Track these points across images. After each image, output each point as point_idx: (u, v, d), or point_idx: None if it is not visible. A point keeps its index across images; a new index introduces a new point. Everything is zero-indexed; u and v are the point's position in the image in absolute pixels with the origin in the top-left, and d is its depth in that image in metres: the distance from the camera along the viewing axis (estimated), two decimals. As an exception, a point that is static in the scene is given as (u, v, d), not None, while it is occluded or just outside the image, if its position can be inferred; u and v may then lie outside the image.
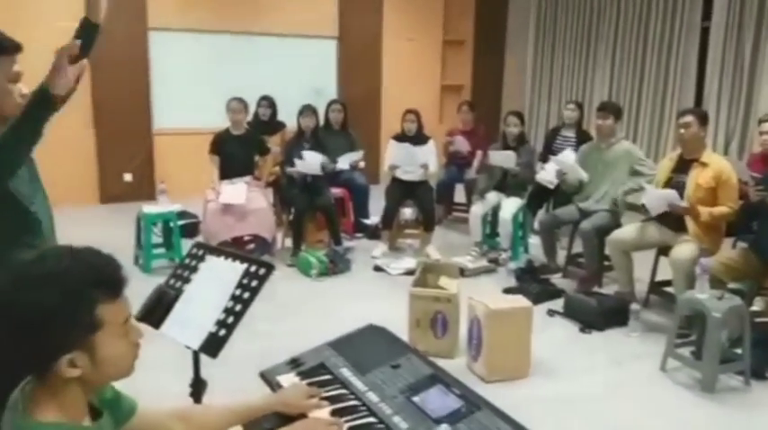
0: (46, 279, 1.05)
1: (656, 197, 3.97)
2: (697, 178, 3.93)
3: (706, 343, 3.26)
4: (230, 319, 1.96)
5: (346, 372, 1.71)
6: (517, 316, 3.36)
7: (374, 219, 5.97)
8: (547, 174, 5.11)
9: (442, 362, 3.33)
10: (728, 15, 6.35)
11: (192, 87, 7.28)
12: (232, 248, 4.86)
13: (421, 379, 1.64)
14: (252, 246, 5.19)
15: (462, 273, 4.74)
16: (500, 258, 5.23)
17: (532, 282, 4.62)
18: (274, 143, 6.01)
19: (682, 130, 4.01)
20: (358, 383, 1.66)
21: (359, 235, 5.96)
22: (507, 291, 4.52)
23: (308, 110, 5.42)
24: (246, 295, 2.00)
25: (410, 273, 4.89)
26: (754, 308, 3.86)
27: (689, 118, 3.98)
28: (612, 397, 3.21)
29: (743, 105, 6.31)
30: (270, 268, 2.04)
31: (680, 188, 3.93)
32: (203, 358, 2.01)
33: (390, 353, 1.78)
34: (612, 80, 7.65)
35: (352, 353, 1.80)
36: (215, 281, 2.08)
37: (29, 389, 1.11)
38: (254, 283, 2.02)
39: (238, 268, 2.07)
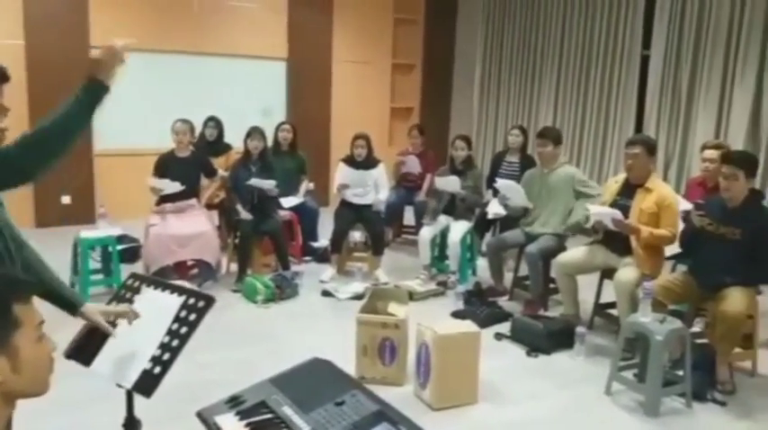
0: None
1: (601, 214, 4.05)
2: (641, 203, 4.02)
3: (649, 366, 3.31)
4: (166, 356, 1.87)
5: (288, 411, 1.65)
6: (465, 341, 3.35)
7: (323, 242, 5.91)
8: (494, 207, 5.21)
9: (389, 391, 3.34)
10: (667, 44, 6.59)
11: (136, 108, 7.08)
12: (174, 274, 4.75)
13: (366, 416, 1.60)
14: (195, 271, 5.05)
15: (411, 296, 4.72)
16: (449, 281, 5.24)
17: (480, 306, 4.63)
18: (219, 165, 5.89)
19: (630, 161, 4.09)
20: (300, 423, 1.60)
21: (307, 258, 5.88)
22: (455, 314, 4.51)
23: (255, 132, 5.34)
24: (184, 329, 1.92)
25: (359, 297, 4.84)
26: (694, 329, 3.95)
27: (637, 149, 4.05)
28: (558, 422, 3.22)
29: (681, 131, 6.53)
30: (210, 301, 1.96)
31: (624, 212, 4.02)
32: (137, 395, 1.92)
33: (335, 388, 1.72)
34: (557, 105, 7.83)
35: (296, 390, 1.74)
36: (151, 314, 1.99)
37: None
38: (192, 317, 1.94)
39: (176, 301, 1.99)
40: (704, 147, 4.77)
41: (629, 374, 3.55)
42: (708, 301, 3.69)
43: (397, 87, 9.09)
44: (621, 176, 4.30)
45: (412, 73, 9.17)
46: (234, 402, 1.73)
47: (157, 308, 2.01)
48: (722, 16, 6.07)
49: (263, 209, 5.23)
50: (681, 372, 3.41)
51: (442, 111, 9.33)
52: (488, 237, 5.79)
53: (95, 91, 1.73)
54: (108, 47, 1.81)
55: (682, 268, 4.35)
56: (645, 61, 6.93)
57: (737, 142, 5.83)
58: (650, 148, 4.10)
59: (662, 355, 3.28)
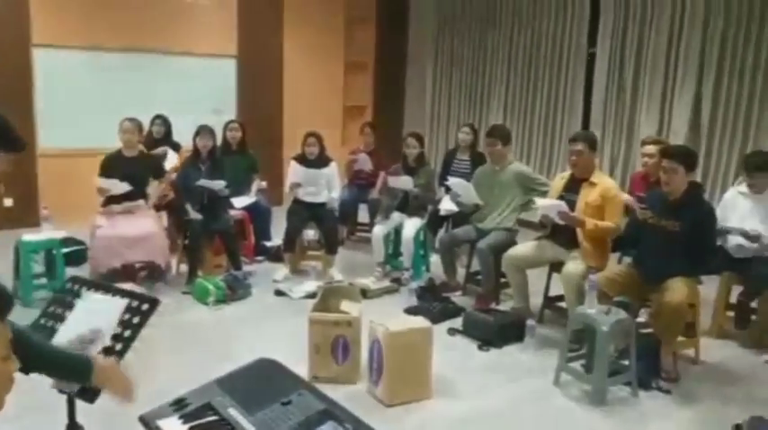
0: None
1: (547, 207, 4.13)
2: (586, 197, 4.12)
3: (595, 357, 3.39)
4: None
5: (234, 412, 1.64)
6: (417, 337, 3.37)
7: (276, 241, 5.86)
8: (445, 204, 5.29)
9: (343, 389, 3.35)
10: (612, 42, 6.75)
11: (81, 106, 6.91)
12: (122, 277, 4.64)
13: (312, 415, 1.59)
14: (144, 273, 4.94)
15: (365, 294, 4.73)
16: (402, 278, 5.26)
17: (433, 301, 4.67)
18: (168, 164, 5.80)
19: (573, 157, 4.19)
20: (246, 424, 1.59)
21: (260, 258, 5.82)
22: (409, 310, 4.54)
23: (204, 130, 5.26)
24: (128, 333, 1.89)
25: (312, 296, 4.80)
26: (640, 319, 4.07)
27: (580, 146, 4.16)
28: (509, 414, 3.27)
29: (626, 127, 6.72)
30: (154, 303, 1.94)
31: (570, 206, 4.11)
32: (80, 401, 1.87)
33: (281, 388, 1.72)
34: (507, 103, 7.95)
35: (241, 391, 1.73)
36: (93, 318, 1.95)
37: None
38: (136, 320, 1.91)
39: (119, 304, 1.95)
40: (643, 143, 4.93)
41: (577, 365, 3.63)
42: (652, 292, 3.80)
43: (349, 85, 9.08)
44: (567, 173, 4.39)
45: (365, 71, 9.16)
46: (178, 405, 1.71)
47: (100, 312, 1.96)
48: (664, 14, 6.26)
49: (213, 208, 5.16)
50: (626, 362, 3.50)
51: (395, 109, 9.35)
52: (441, 233, 5.84)
53: (82, 378, 1.67)
54: (125, 393, 1.73)
55: (627, 260, 4.48)
56: (591, 59, 7.09)
57: (679, 137, 6.03)
58: (592, 144, 4.22)
59: (608, 346, 3.37)
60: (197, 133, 5.25)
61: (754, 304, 4.20)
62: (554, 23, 7.33)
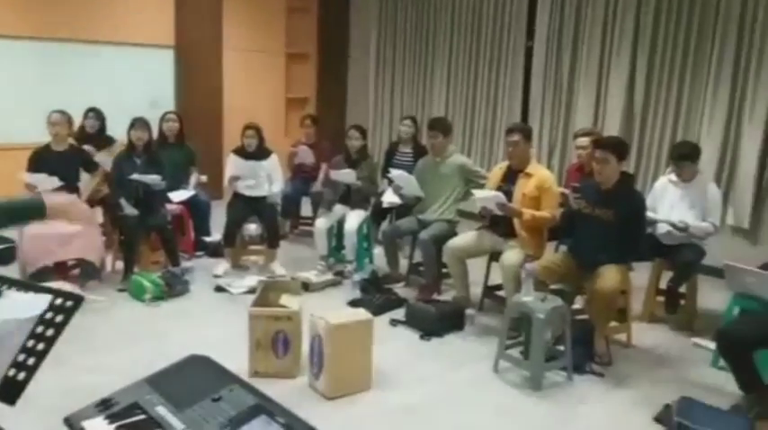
0: None
1: (485, 199, 4.19)
2: (523, 188, 4.21)
3: (532, 343, 3.47)
4: (31, 360, 1.76)
5: (162, 410, 1.60)
6: (358, 329, 3.37)
7: (216, 236, 5.76)
8: (388, 196, 5.31)
9: (284, 383, 3.31)
10: (548, 36, 6.89)
11: (8, 99, 6.61)
12: (54, 275, 4.48)
13: (243, 410, 1.57)
14: (77, 271, 4.78)
15: (307, 287, 4.71)
16: (345, 271, 5.26)
17: (376, 293, 4.68)
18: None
19: (510, 148, 4.29)
20: (174, 421, 1.55)
21: (200, 253, 5.71)
22: (352, 303, 4.54)
23: (139, 122, 5.11)
24: (50, 332, 1.82)
25: (253, 291, 4.74)
26: (576, 306, 4.18)
27: (516, 137, 4.25)
28: (450, 401, 3.32)
29: (563, 119, 6.87)
30: (78, 300, 1.87)
31: (508, 197, 4.19)
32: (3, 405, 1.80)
33: (212, 384, 1.69)
34: (448, 95, 8.02)
35: (171, 389, 1.69)
36: (15, 316, 1.87)
37: None
38: (59, 318, 1.84)
39: (41, 302, 1.88)
40: (576, 136, 5.06)
41: (515, 352, 3.71)
42: (587, 279, 3.91)
43: (292, 77, 8.98)
44: (505, 164, 4.48)
45: (307, 62, 9.08)
46: (104, 405, 1.66)
47: (20, 310, 1.89)
48: (598, 8, 6.42)
49: (148, 203, 5.02)
50: (562, 348, 3.60)
51: (337, 101, 9.29)
52: (384, 225, 5.86)
53: (38, 214, 1.70)
54: (85, 219, 1.76)
55: (563, 249, 4.59)
56: (529, 52, 7.20)
57: (613, 129, 6.20)
58: (527, 135, 4.32)
59: (544, 332, 3.45)
60: (131, 126, 5.09)
61: (682, 289, 4.37)
62: (493, 17, 7.42)
